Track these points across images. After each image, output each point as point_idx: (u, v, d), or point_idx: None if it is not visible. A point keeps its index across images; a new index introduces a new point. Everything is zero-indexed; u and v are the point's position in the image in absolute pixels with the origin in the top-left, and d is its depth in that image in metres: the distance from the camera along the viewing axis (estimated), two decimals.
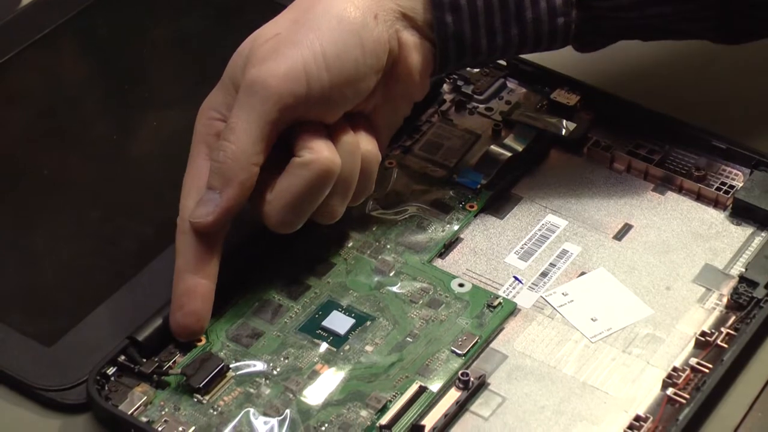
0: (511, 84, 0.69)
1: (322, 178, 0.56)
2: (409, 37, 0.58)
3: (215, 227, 0.56)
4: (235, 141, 0.56)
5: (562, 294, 0.60)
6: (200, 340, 0.57)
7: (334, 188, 0.57)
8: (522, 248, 0.62)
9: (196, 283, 0.56)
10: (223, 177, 0.56)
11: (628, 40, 0.63)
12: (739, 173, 0.64)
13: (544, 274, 0.61)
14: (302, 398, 0.55)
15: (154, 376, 0.56)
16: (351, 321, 0.58)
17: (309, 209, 0.57)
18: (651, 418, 0.55)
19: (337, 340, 0.58)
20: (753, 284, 0.59)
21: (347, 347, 0.57)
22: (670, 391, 0.56)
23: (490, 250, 0.62)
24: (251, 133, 0.55)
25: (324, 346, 0.57)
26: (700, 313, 0.59)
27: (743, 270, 0.60)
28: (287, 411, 0.55)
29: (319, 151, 0.56)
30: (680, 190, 0.64)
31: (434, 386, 0.56)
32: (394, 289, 0.60)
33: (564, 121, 0.66)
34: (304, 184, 0.56)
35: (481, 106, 0.68)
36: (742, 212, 0.63)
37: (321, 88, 0.56)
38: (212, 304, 0.57)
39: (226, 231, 0.57)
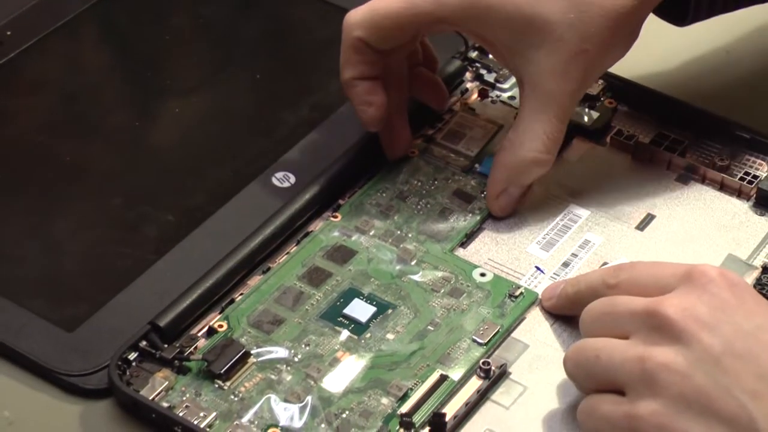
0: None
1: None
2: None
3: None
4: None
5: None
6: (222, 326, 0.57)
7: None
8: (544, 238, 0.62)
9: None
10: None
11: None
12: (763, 163, 0.64)
13: (565, 264, 0.61)
14: (323, 385, 0.55)
15: (176, 361, 0.56)
16: (372, 309, 0.58)
17: None
18: None
19: (358, 327, 0.58)
20: None
21: (368, 335, 0.57)
22: None
23: (512, 240, 0.62)
24: None
25: (345, 334, 0.57)
26: None
27: (766, 260, 0.60)
28: (308, 398, 0.55)
29: None
30: (703, 179, 0.64)
31: (455, 375, 0.56)
32: (416, 277, 0.60)
33: (587, 110, 0.66)
34: None
35: (503, 95, 0.68)
36: (765, 202, 0.62)
37: None
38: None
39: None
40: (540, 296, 0.59)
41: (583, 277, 0.57)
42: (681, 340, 0.50)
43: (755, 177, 0.63)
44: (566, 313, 0.58)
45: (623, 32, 0.59)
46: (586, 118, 0.66)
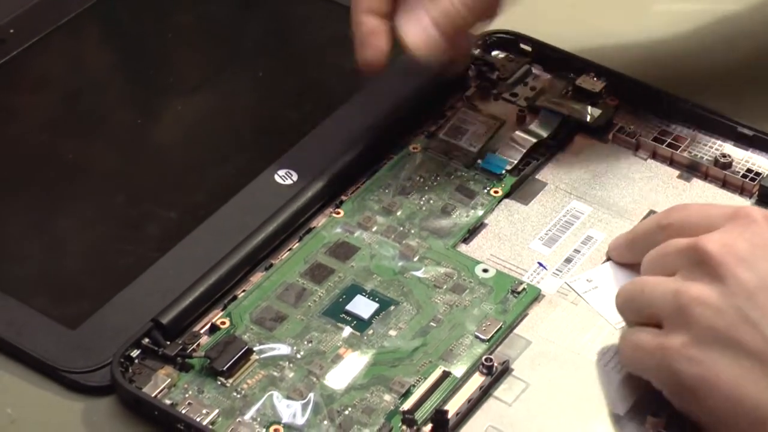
0: (536, 70, 0.69)
1: None
2: None
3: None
4: None
5: (587, 280, 0.60)
6: (224, 323, 0.57)
7: None
8: (546, 234, 0.62)
9: (379, 23, 0.60)
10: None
11: None
12: (766, 160, 0.64)
13: (568, 260, 0.61)
14: (326, 382, 0.55)
15: (178, 358, 0.56)
16: (375, 305, 0.58)
17: None
18: None
19: (360, 324, 0.58)
20: None
21: (371, 331, 0.57)
22: None
23: (515, 236, 0.62)
24: None
25: (348, 330, 0.57)
26: None
27: None
28: (311, 394, 0.55)
29: None
30: (706, 177, 0.64)
31: (458, 371, 0.56)
32: (418, 274, 0.60)
33: (589, 108, 0.66)
34: None
35: (506, 92, 0.68)
36: None
37: None
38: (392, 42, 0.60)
39: None
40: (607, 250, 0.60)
41: (639, 223, 0.59)
42: (717, 274, 0.51)
43: (758, 174, 0.63)
44: (629, 261, 0.59)
45: None
46: (588, 116, 0.66)
